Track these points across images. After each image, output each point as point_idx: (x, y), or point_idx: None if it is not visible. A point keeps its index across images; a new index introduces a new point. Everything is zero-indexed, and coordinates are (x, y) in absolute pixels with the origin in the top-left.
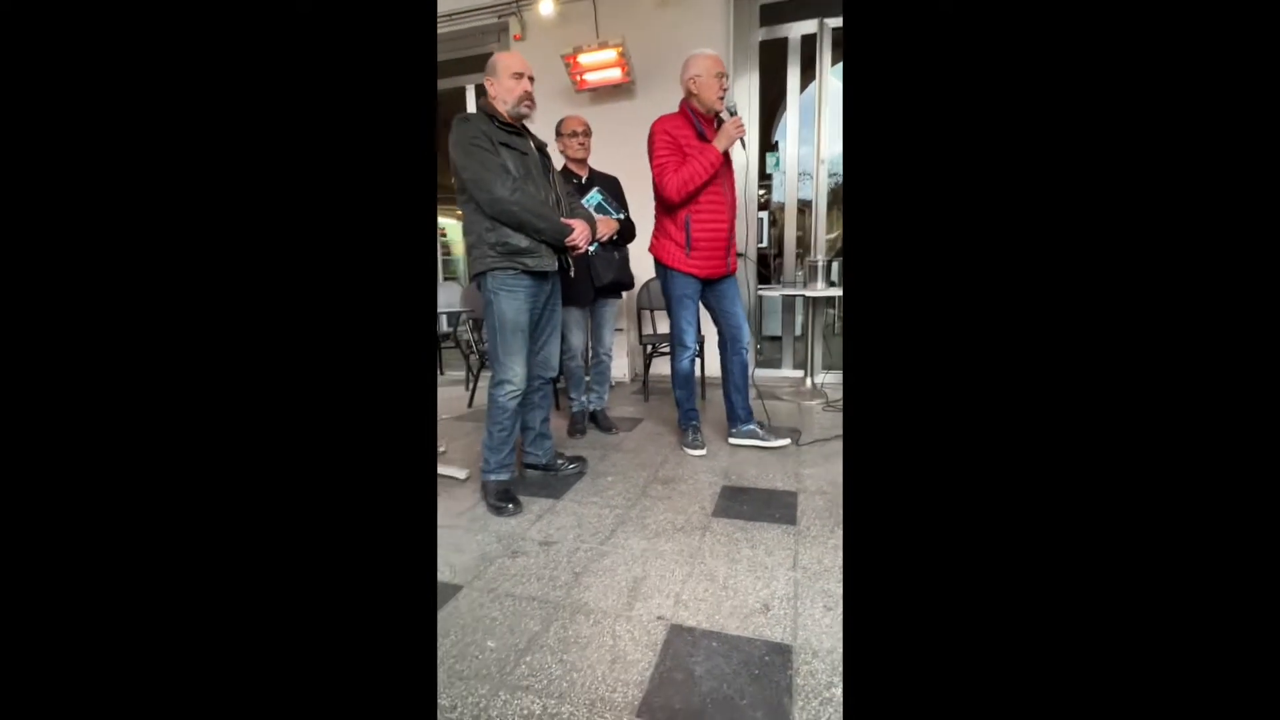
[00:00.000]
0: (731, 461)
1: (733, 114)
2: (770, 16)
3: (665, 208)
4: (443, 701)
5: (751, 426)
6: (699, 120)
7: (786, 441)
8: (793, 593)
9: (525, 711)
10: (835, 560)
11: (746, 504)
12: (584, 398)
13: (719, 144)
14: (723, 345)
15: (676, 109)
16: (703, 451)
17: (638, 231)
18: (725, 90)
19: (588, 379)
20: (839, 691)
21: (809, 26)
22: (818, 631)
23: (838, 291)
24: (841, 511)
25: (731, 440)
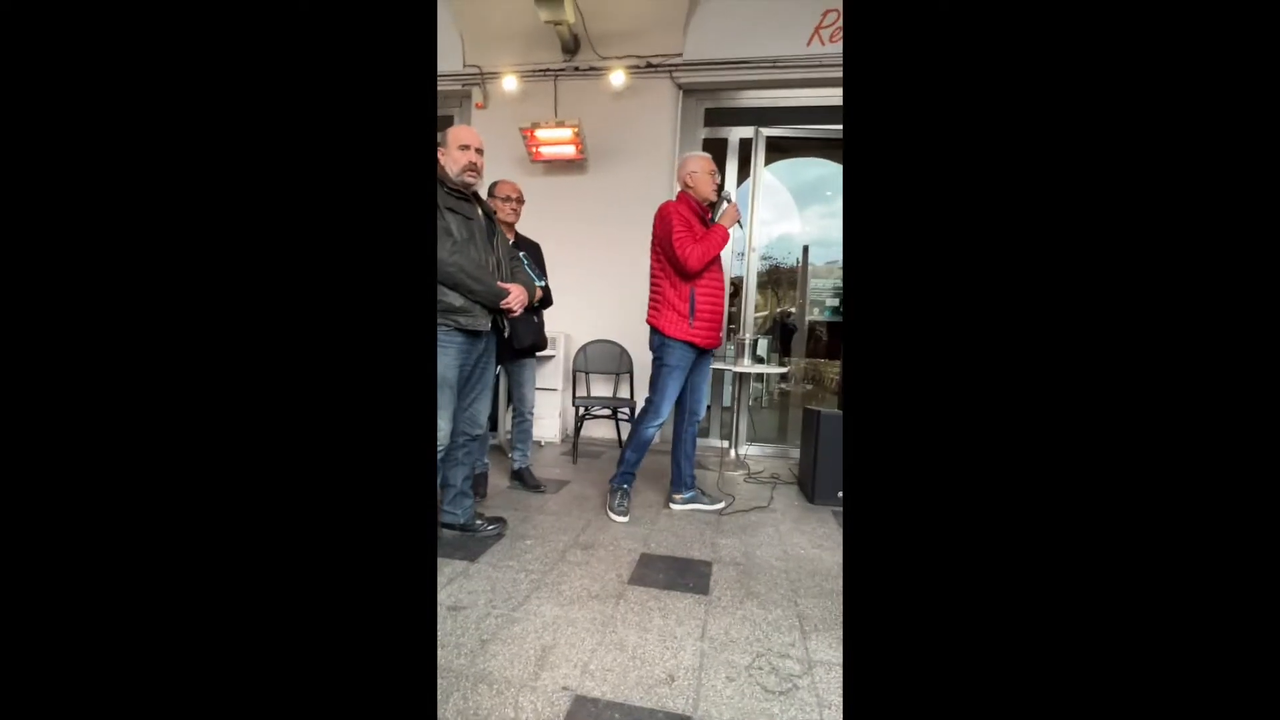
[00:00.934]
0: (653, 529)
1: (730, 201)
2: (714, 119)
3: (680, 278)
4: None
5: (694, 493)
6: (699, 208)
7: (723, 504)
8: (698, 664)
9: None
10: (741, 631)
11: (663, 572)
12: (485, 460)
13: (724, 223)
14: (680, 415)
15: (626, 188)
16: (626, 519)
17: (553, 299)
18: (718, 184)
19: (508, 437)
20: None
21: (746, 132)
22: (718, 702)
23: (765, 368)
24: (752, 582)
25: (674, 506)
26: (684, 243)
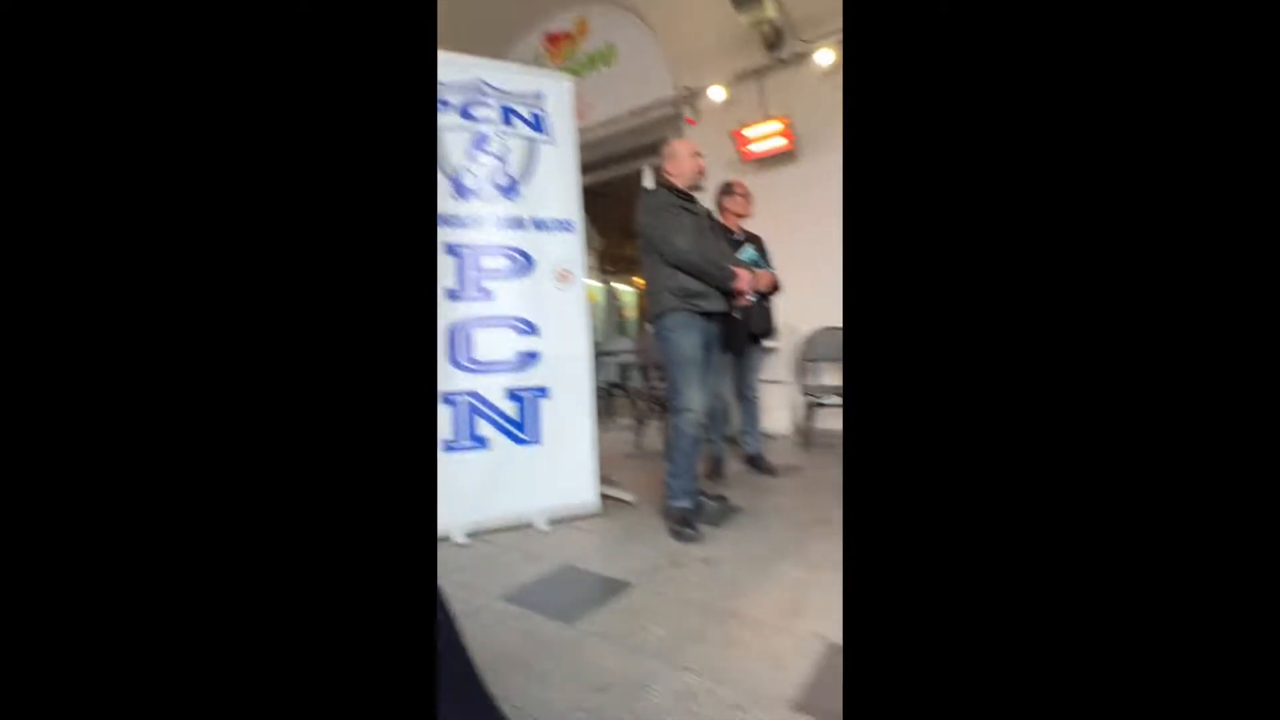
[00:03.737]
0: None
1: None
2: None
3: None
4: (609, 665)
5: None
6: None
7: None
8: None
9: (684, 687)
10: None
11: None
12: (721, 442)
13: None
14: None
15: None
16: None
17: (782, 285)
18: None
19: (740, 431)
20: None
21: None
22: None
23: None
24: None
25: None
26: None
